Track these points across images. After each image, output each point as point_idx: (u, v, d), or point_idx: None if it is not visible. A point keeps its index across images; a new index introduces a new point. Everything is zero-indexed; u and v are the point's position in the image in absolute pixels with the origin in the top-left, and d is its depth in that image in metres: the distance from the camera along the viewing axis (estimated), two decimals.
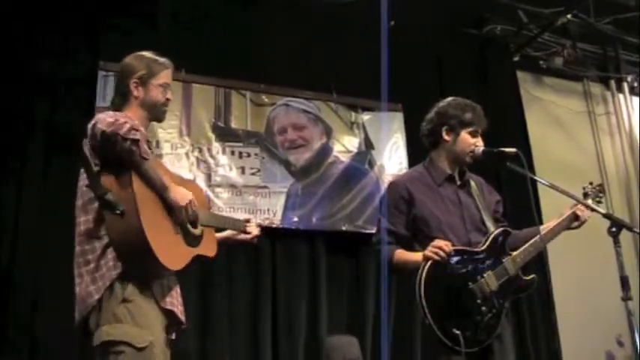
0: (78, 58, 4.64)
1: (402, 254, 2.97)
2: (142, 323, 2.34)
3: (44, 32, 4.69)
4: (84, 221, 2.41)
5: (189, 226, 2.52)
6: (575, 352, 5.62)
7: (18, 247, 4.22)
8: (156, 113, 2.67)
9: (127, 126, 2.31)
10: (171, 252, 2.40)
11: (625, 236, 2.94)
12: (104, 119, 2.35)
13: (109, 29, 4.68)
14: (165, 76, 2.69)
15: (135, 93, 2.61)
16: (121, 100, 2.63)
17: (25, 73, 4.57)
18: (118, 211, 2.25)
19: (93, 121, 2.39)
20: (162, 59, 2.71)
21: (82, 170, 2.45)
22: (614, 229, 2.92)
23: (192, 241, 2.54)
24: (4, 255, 4.20)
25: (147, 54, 2.70)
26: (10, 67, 4.50)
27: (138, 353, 2.29)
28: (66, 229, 2.49)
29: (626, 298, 2.82)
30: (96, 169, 2.36)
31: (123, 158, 2.34)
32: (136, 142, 2.32)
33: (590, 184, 3.34)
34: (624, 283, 2.83)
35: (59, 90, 4.57)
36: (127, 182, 2.33)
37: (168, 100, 2.70)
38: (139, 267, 2.36)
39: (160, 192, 2.42)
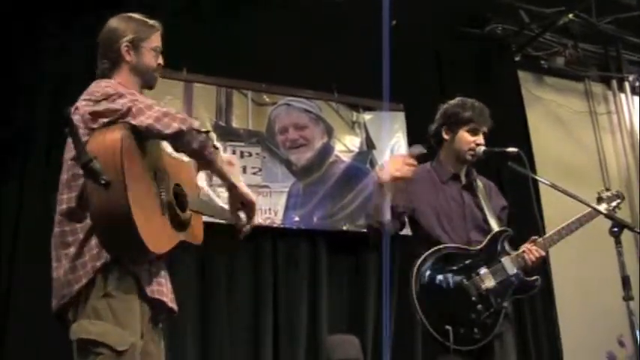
0: (79, 57, 4.64)
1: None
2: (124, 322, 2.16)
3: (44, 31, 4.70)
4: (66, 199, 2.24)
5: (177, 209, 2.34)
6: (576, 352, 5.61)
7: (18, 248, 4.23)
8: (148, 79, 2.48)
9: (191, 119, 2.23)
10: (156, 233, 2.19)
11: (626, 236, 2.94)
12: (167, 115, 2.18)
13: None
14: (156, 39, 2.49)
15: (127, 58, 2.41)
16: (110, 66, 2.43)
17: (25, 73, 4.57)
18: (102, 181, 2.00)
19: (148, 118, 2.16)
20: (151, 21, 2.51)
21: (69, 141, 2.24)
22: (615, 229, 2.92)
23: (179, 225, 2.35)
24: (5, 255, 4.21)
25: (135, 15, 2.51)
26: (10, 66, 4.50)
27: (117, 357, 2.12)
28: None
29: (627, 298, 2.81)
30: (85, 139, 2.16)
31: (196, 154, 2.27)
32: (207, 133, 2.24)
33: (607, 189, 3.33)
34: (626, 283, 2.82)
35: (60, 89, 4.57)
36: (115, 148, 2.11)
37: (160, 65, 2.50)
38: (118, 245, 2.15)
39: (231, 185, 2.37)
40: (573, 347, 5.64)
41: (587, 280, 5.83)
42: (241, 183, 2.40)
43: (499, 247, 2.98)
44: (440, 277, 2.83)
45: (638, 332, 2.89)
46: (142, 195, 2.17)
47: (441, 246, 2.86)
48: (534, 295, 5.18)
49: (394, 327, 4.81)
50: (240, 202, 2.45)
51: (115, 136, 2.14)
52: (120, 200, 2.07)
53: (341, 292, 5.22)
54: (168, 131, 2.18)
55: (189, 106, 5.05)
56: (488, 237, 2.99)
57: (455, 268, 2.86)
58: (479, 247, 2.96)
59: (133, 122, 2.17)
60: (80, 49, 4.64)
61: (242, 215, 2.50)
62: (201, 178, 4.82)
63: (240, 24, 5.23)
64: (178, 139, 2.22)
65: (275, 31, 5.27)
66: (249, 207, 2.43)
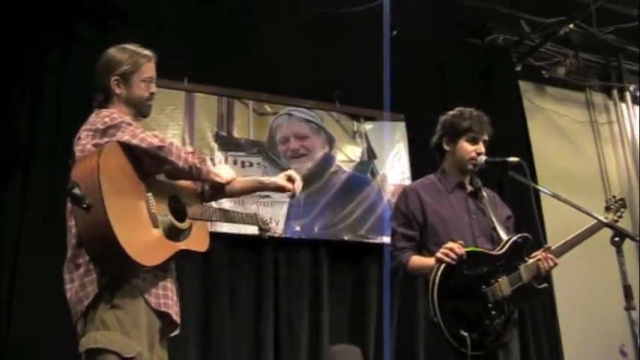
0: (81, 67, 4.66)
1: (416, 260, 2.98)
2: (131, 332, 2.24)
3: (48, 38, 4.72)
4: (74, 225, 2.33)
5: (173, 219, 2.41)
6: None
7: (21, 250, 4.23)
8: (141, 109, 2.57)
9: (193, 154, 2.46)
10: (146, 246, 2.27)
11: (628, 245, 2.94)
12: (175, 151, 2.39)
13: (111, 38, 4.70)
14: (148, 69, 2.56)
15: (117, 91, 2.50)
16: (104, 98, 2.52)
17: (28, 78, 4.59)
18: (84, 205, 2.10)
19: (156, 145, 2.36)
20: (145, 51, 2.57)
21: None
22: (617, 239, 2.92)
23: (176, 235, 2.41)
24: (7, 259, 4.21)
25: (130, 46, 2.57)
26: (14, 74, 4.52)
27: None
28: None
29: (629, 308, 2.81)
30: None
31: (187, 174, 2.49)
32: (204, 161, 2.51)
33: (613, 197, 3.33)
34: (627, 292, 2.82)
35: (63, 94, 4.59)
36: (93, 172, 2.21)
37: (152, 94, 2.57)
38: (110, 263, 2.25)
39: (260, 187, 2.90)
40: (575, 357, 5.62)
41: (588, 289, 5.82)
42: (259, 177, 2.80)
43: (518, 255, 2.97)
44: (461, 281, 2.81)
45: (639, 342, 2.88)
46: (126, 212, 2.26)
47: (464, 249, 2.82)
48: (536, 304, 5.17)
49: (395, 337, 4.80)
50: (277, 187, 2.94)
51: (93, 160, 2.24)
52: (101, 221, 2.16)
53: (342, 302, 5.21)
54: (178, 167, 2.39)
55: (191, 115, 5.06)
56: (509, 243, 2.98)
57: (476, 273, 2.85)
58: (500, 252, 2.95)
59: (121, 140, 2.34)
60: (83, 56, 4.68)
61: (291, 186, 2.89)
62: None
63: (241, 33, 5.25)
64: (189, 174, 2.47)
65: (276, 40, 5.28)
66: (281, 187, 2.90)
